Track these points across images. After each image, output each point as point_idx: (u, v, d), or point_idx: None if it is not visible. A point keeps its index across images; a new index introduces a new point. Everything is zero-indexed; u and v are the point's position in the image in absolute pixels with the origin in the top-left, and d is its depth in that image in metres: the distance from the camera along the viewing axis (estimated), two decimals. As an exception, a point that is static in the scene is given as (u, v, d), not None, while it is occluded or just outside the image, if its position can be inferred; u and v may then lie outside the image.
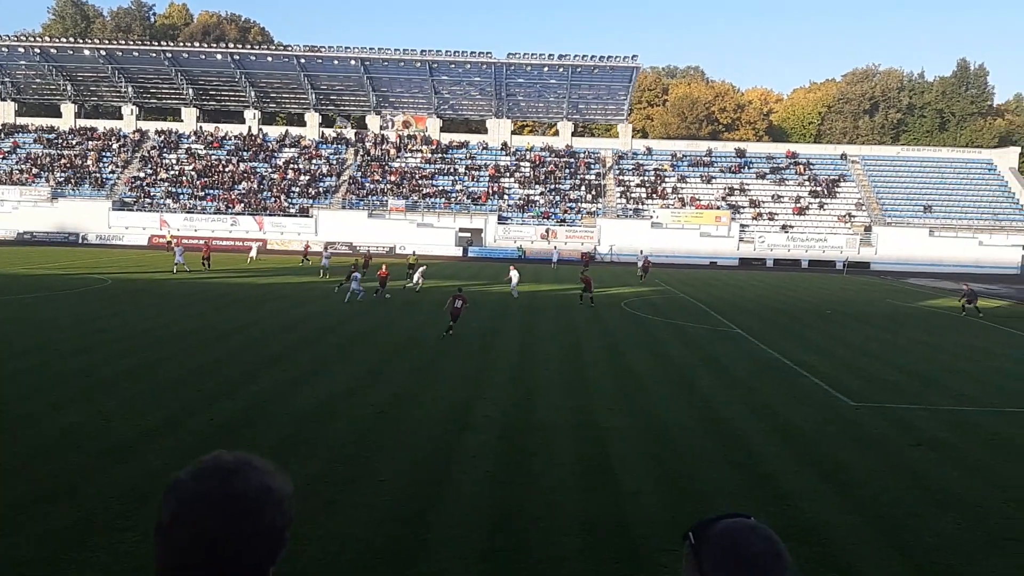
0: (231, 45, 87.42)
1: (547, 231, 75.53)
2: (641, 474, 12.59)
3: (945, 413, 17.55)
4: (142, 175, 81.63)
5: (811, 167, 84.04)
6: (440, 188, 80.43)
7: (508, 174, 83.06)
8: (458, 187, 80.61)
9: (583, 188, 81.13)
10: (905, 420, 16.77)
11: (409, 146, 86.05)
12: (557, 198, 79.93)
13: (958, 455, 14.27)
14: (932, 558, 9.85)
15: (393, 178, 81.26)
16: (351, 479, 11.85)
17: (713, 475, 12.68)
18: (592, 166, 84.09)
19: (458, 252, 73.58)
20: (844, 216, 78.14)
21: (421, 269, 40.58)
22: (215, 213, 76.53)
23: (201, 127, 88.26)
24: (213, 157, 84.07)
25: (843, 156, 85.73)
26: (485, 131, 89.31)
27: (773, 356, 24.33)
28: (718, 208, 77.83)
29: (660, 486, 12.07)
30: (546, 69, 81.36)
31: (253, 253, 57.32)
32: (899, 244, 74.72)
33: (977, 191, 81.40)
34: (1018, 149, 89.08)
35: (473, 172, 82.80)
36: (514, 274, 38.86)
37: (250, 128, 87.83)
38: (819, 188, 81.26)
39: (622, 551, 9.66)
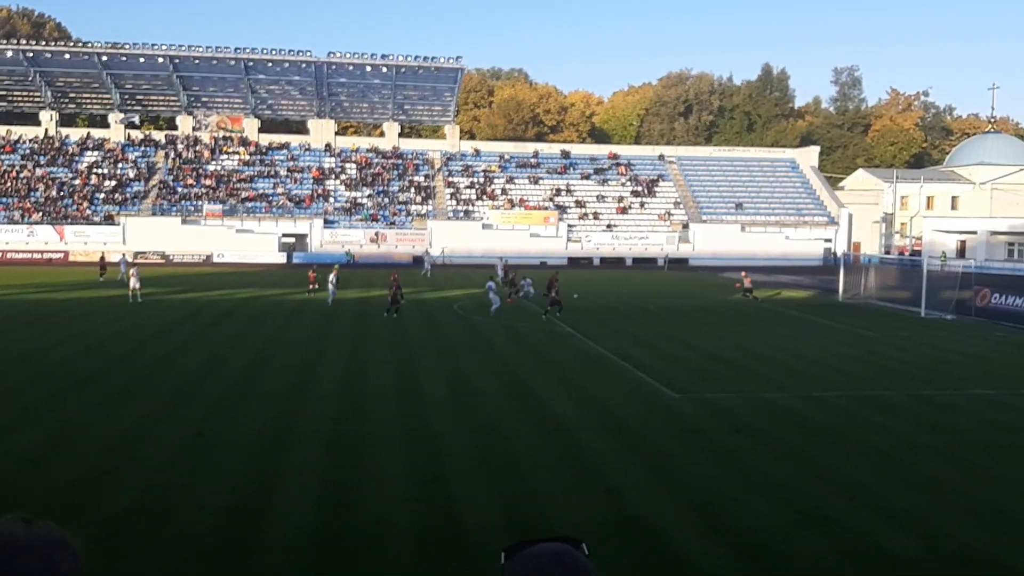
0: (23, 41, 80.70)
1: (377, 234, 74.50)
2: (475, 480, 12.47)
3: (759, 400, 18.55)
4: (-77, 183, 73.94)
5: (632, 168, 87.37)
6: (260, 192, 77.56)
7: (333, 176, 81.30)
8: (280, 190, 78.01)
9: (412, 190, 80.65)
10: (723, 408, 17.59)
11: (225, 148, 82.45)
12: (386, 200, 79.02)
13: (772, 440, 15.08)
14: (750, 539, 10.31)
15: (208, 182, 77.62)
16: (167, 508, 11.05)
17: (546, 475, 12.76)
18: (420, 168, 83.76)
19: (282, 258, 71.24)
20: (663, 214, 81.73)
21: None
22: (10, 223, 70.38)
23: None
24: (5, 162, 77.31)
25: (661, 157, 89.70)
26: (307, 132, 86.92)
27: (601, 352, 24.95)
28: (546, 209, 79.49)
29: (494, 490, 12.00)
30: (369, 69, 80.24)
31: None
32: (714, 240, 78.99)
33: (782, 188, 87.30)
34: (817, 148, 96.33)
35: (296, 175, 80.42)
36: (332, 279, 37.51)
37: (47, 131, 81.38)
38: (640, 188, 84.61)
39: (457, 561, 9.51)
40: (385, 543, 9.97)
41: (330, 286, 36.82)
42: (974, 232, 78.63)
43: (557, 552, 1.81)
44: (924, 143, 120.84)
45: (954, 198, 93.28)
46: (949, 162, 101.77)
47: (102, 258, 53.86)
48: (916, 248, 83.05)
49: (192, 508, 11.05)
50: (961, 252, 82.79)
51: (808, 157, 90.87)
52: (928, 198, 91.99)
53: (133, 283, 37.54)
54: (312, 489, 11.92)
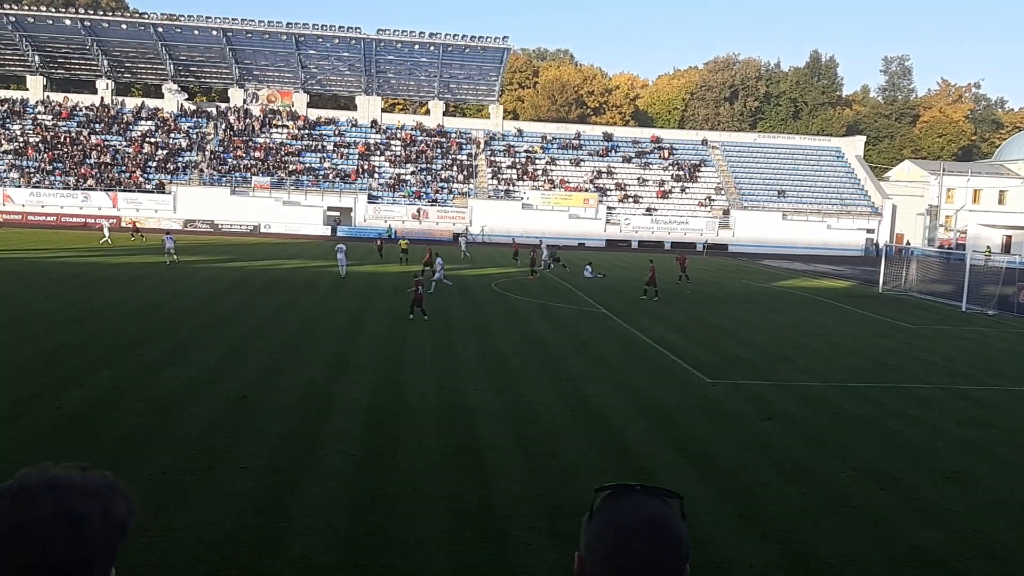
0: (81, 11, 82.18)
1: (419, 211, 75.04)
2: (507, 454, 12.74)
3: (793, 388, 18.56)
4: (-19, 146, 75.86)
5: (674, 152, 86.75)
6: (308, 165, 78.49)
7: (378, 152, 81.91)
8: (326, 164, 78.88)
9: (455, 168, 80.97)
10: (757, 395, 17.64)
11: (274, 121, 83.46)
12: (429, 178, 79.47)
13: (804, 428, 15.13)
14: (777, 525, 10.43)
15: (258, 154, 78.69)
16: (209, 467, 11.48)
17: (577, 452, 12.98)
18: (464, 146, 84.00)
19: (327, 231, 72.12)
20: (704, 200, 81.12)
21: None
22: (65, 188, 72.09)
23: (48, 96, 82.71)
24: (62, 128, 79.05)
25: (704, 142, 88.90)
26: (354, 108, 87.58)
27: (635, 335, 25.07)
28: (586, 191, 79.33)
29: (525, 465, 12.25)
30: (417, 47, 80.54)
31: (106, 232, 53.03)
32: (755, 227, 78.30)
33: (826, 177, 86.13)
34: (863, 138, 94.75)
35: (342, 149, 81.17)
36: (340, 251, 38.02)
37: (103, 99, 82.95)
38: (682, 172, 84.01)
39: (487, 531, 9.77)
40: (418, 510, 10.26)
41: (339, 255, 37.57)
42: (1021, 227, 76.87)
43: (652, 519, 1.65)
44: (973, 136, 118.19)
45: (1001, 192, 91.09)
46: (998, 156, 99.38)
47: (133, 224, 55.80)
48: (960, 242, 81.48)
49: (234, 468, 11.46)
50: (1007, 247, 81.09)
51: (854, 146, 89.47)
52: (975, 191, 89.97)
53: (168, 246, 41.04)
54: (349, 456, 12.27)
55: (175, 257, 40.80)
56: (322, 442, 12.89)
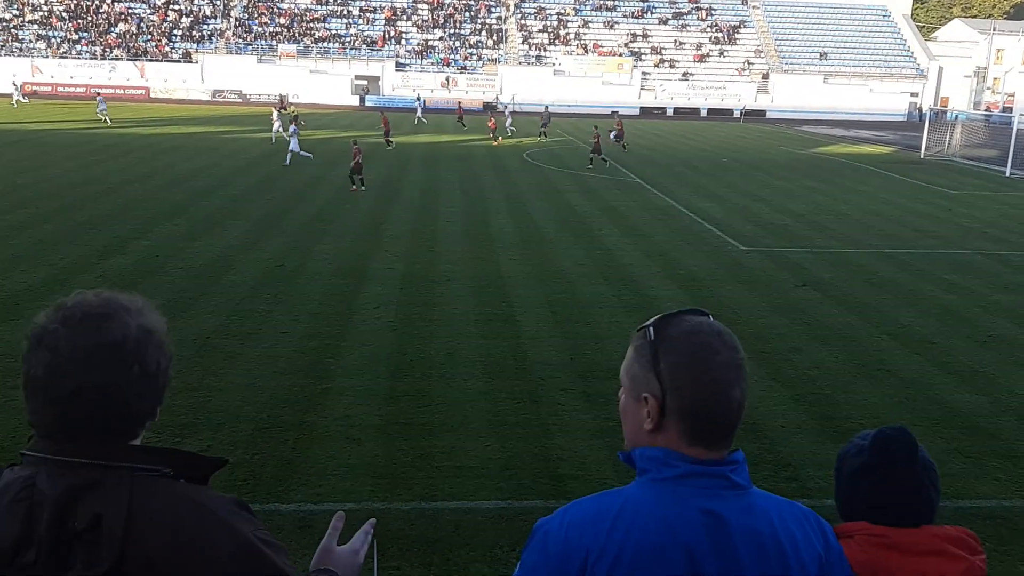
0: None
1: (447, 79, 73.51)
2: (541, 319, 12.89)
3: (829, 255, 18.41)
4: (8, 16, 74.82)
5: (713, 12, 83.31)
6: (333, 32, 76.64)
7: (405, 17, 79.62)
8: (352, 31, 76.97)
9: (484, 33, 78.68)
10: (792, 262, 17.53)
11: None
12: (457, 44, 77.42)
13: (839, 294, 15.07)
14: (810, 388, 10.54)
15: (283, 20, 76.88)
16: (251, 332, 11.76)
17: (609, 318, 13.09)
18: (493, 9, 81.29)
19: (355, 101, 71.12)
20: (742, 66, 78.43)
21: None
22: (92, 59, 71.33)
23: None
24: (84, -4, 77.52)
25: (744, 1, 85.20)
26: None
27: (670, 204, 24.82)
28: (620, 55, 76.97)
29: (558, 330, 12.41)
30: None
31: (17, 95, 55.26)
32: (794, 92, 75.86)
33: (871, 38, 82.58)
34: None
35: (368, 15, 78.95)
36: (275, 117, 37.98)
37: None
38: (720, 35, 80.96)
39: (522, 391, 9.99)
40: (455, 373, 10.50)
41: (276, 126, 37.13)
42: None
43: (718, 329, 1.81)
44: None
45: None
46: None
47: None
48: (1008, 105, 78.54)
49: (275, 333, 11.74)
50: (1059, 110, 77.99)
51: (901, 5, 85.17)
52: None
53: (102, 108, 45.61)
54: (386, 321, 12.49)
55: (107, 119, 44.16)
56: (359, 308, 13.11)
